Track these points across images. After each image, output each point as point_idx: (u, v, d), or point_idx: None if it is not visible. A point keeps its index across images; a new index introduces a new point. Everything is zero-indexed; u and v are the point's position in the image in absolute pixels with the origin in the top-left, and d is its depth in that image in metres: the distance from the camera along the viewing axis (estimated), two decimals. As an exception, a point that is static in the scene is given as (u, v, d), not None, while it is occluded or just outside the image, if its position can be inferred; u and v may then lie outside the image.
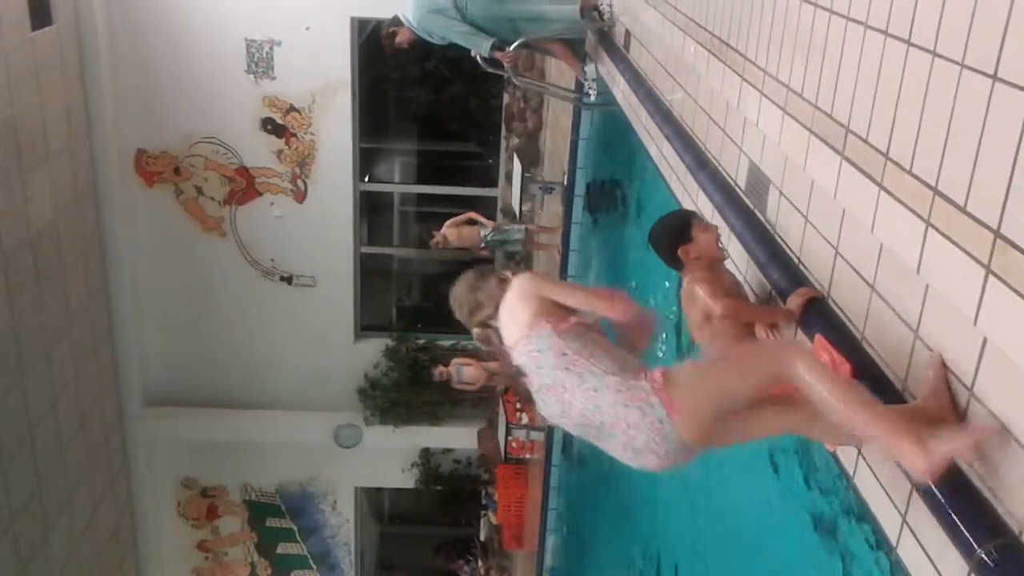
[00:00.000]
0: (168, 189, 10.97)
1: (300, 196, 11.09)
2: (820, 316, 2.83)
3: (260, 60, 10.47)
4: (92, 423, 10.29)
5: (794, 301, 2.89)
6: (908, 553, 2.31)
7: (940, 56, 2.18)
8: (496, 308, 2.87)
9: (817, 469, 3.33)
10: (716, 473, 4.67)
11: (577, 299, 2.80)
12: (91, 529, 10.37)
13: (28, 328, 8.70)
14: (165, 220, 11.02)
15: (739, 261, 3.55)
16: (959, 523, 2.01)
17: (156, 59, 10.32)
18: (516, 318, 2.74)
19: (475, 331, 2.98)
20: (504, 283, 2.91)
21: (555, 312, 2.71)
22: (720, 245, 3.23)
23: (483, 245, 9.34)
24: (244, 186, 11.02)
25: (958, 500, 2.05)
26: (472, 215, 9.43)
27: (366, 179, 11.79)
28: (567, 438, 8.86)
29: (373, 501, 14.01)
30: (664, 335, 5.36)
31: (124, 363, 11.01)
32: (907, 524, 2.30)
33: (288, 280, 11.42)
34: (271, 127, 10.78)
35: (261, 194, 11.08)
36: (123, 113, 10.37)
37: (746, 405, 2.46)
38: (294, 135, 10.82)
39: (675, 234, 3.15)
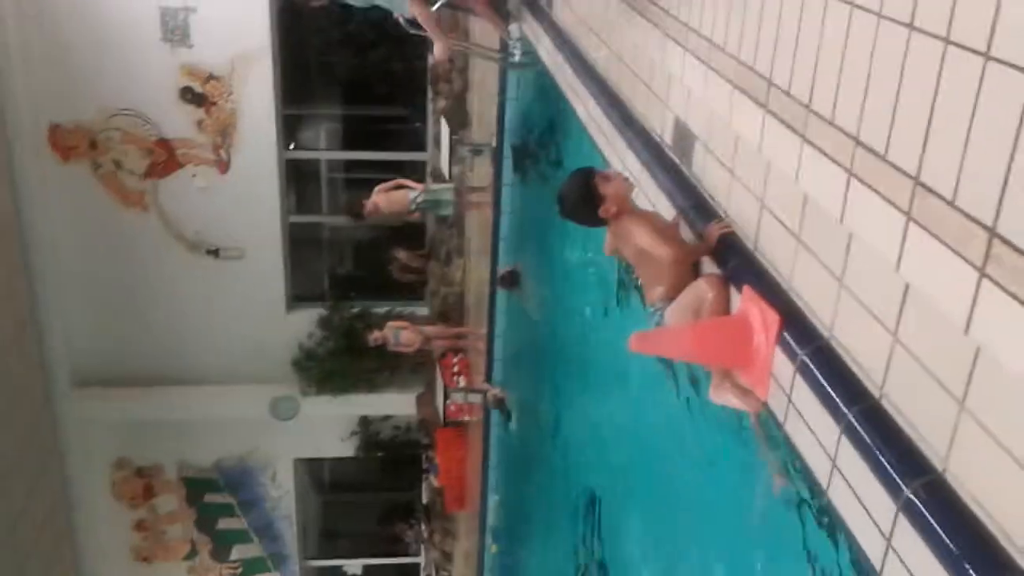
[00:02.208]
0: (85, 164, 10.63)
1: (223, 166, 10.85)
2: (748, 268, 2.87)
3: (176, 28, 10.16)
4: (20, 407, 10.02)
5: (712, 234, 3.06)
6: (840, 498, 2.36)
7: (858, 7, 2.21)
8: None
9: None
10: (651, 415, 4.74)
11: None
12: (25, 514, 10.13)
13: (-55, 312, 8.43)
14: (83, 196, 10.68)
15: (667, 217, 3.57)
16: (885, 463, 2.06)
17: (67, 29, 9.94)
18: None
19: None
20: None
21: None
22: (627, 182, 3.29)
23: (413, 208, 9.30)
24: (165, 158, 10.74)
25: (884, 438, 2.11)
26: (401, 181, 9.39)
27: (292, 147, 11.58)
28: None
29: (313, 471, 13.94)
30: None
31: (49, 344, 10.72)
32: (837, 468, 2.35)
33: (215, 253, 11.19)
34: (190, 96, 10.49)
35: (183, 166, 10.80)
36: (34, 86, 9.99)
37: None
38: (214, 104, 10.55)
39: (586, 200, 3.20)
